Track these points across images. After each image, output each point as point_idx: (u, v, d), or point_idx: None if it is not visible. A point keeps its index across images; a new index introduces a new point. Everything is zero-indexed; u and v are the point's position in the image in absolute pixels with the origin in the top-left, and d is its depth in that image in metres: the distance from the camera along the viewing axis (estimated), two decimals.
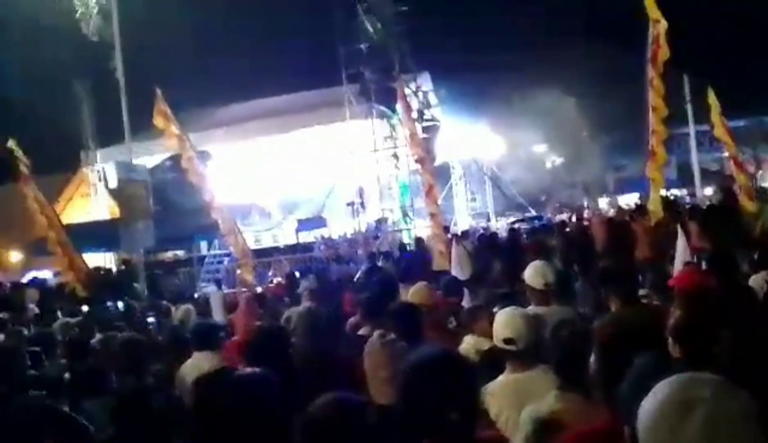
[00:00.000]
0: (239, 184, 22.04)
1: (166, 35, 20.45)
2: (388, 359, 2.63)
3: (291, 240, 21.03)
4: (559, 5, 27.50)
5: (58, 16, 16.30)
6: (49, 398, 3.64)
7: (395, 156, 20.74)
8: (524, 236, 12.59)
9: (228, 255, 16.50)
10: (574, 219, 14.48)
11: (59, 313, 8.48)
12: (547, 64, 24.04)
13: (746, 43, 26.77)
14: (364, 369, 2.76)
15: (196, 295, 11.19)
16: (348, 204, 19.88)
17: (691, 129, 22.78)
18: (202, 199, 11.71)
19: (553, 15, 27.33)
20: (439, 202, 12.01)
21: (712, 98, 12.47)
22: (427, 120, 21.43)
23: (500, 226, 21.27)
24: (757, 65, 25.66)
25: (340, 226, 21.09)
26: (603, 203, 24.26)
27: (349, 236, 19.68)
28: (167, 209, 15.44)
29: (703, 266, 4.67)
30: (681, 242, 4.52)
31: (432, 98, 23.35)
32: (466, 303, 5.21)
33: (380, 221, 20.68)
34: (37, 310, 10.21)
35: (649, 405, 1.15)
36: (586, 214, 14.86)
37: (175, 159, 13.48)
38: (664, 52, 7.94)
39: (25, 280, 15.96)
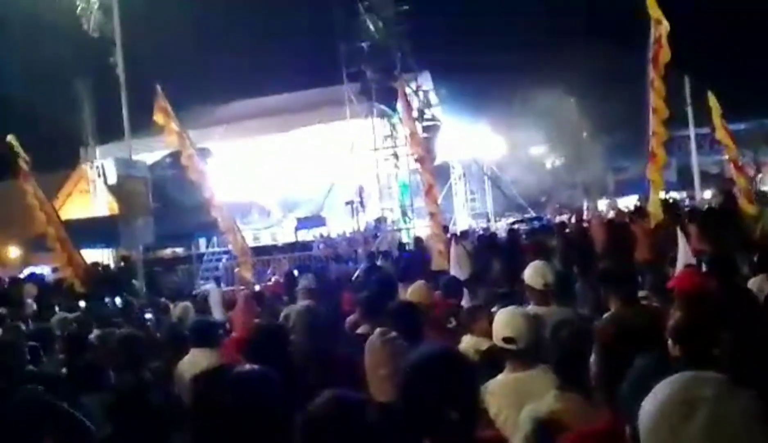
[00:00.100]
0: (239, 182, 22.02)
1: (166, 32, 20.43)
2: (388, 357, 2.62)
3: (290, 239, 21.01)
4: (561, 5, 27.52)
5: (58, 12, 16.26)
6: (48, 393, 3.63)
7: (395, 155, 20.74)
8: (523, 236, 12.57)
9: (227, 253, 16.48)
10: (573, 220, 14.46)
11: (57, 309, 8.47)
12: (548, 64, 24.05)
13: (747, 45, 26.79)
14: (364, 367, 2.76)
15: (194, 292, 11.16)
16: (347, 203, 19.87)
17: (692, 131, 22.78)
18: (201, 196, 11.71)
19: (554, 15, 27.35)
20: (439, 202, 12.01)
21: (712, 101, 12.48)
22: (427, 119, 21.42)
23: (500, 226, 21.27)
24: (757, 68, 25.68)
25: (340, 225, 21.08)
26: (602, 204, 24.24)
27: (348, 235, 19.66)
28: (167, 206, 15.41)
29: (703, 268, 4.66)
30: (682, 244, 4.51)
31: (432, 98, 23.35)
32: (465, 303, 5.20)
33: (379, 221, 20.68)
34: (35, 306, 10.20)
35: (650, 405, 1.14)
36: (585, 215, 14.84)
37: (175, 156, 13.46)
38: (665, 54, 7.93)
39: (23, 276, 15.95)
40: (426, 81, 22.96)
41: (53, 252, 12.56)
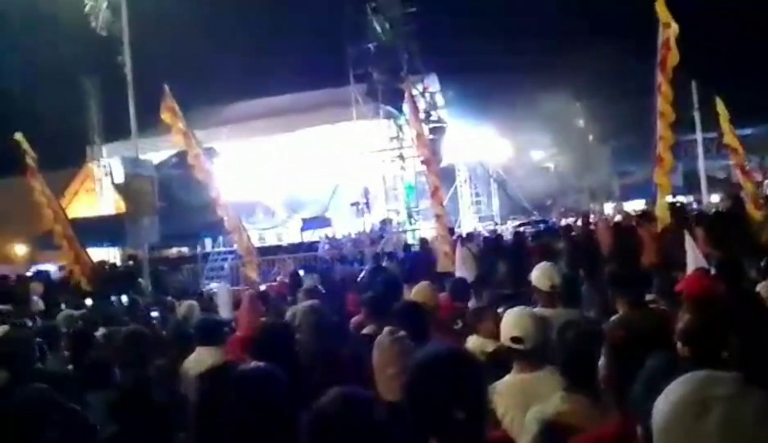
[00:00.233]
0: (245, 182, 22.07)
1: (174, 32, 20.50)
2: (397, 356, 2.61)
3: (295, 239, 21.04)
4: (568, 8, 27.46)
5: (66, 11, 16.34)
6: (53, 391, 3.64)
7: (401, 157, 20.74)
8: (529, 239, 12.54)
9: (232, 253, 16.50)
10: (580, 223, 14.43)
11: (63, 306, 8.50)
12: (555, 67, 24.03)
13: (754, 50, 26.68)
14: (371, 366, 2.75)
15: (201, 291, 11.19)
16: (353, 204, 19.89)
17: (699, 136, 22.69)
18: (207, 196, 11.72)
19: (561, 18, 27.32)
20: (444, 204, 11.99)
21: (720, 106, 12.45)
22: (433, 121, 21.42)
23: (506, 229, 21.23)
24: (765, 73, 25.56)
25: (345, 226, 21.09)
26: (608, 208, 24.17)
27: (353, 236, 19.67)
28: (172, 205, 15.46)
29: (712, 271, 4.64)
30: (691, 248, 4.49)
31: (439, 99, 23.35)
32: (470, 305, 5.19)
33: (385, 222, 20.68)
34: (41, 303, 10.24)
35: (663, 405, 1.13)
36: (592, 218, 14.79)
37: (182, 156, 13.51)
38: (673, 57, 7.90)
39: (29, 273, 16.01)
40: (433, 83, 22.96)
41: (60, 250, 12.61)
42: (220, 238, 18.87)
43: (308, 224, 21.38)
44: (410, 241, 17.63)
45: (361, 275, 9.72)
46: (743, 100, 17.58)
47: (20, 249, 24.19)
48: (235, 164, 21.72)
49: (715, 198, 21.62)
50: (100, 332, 5.48)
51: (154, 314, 7.30)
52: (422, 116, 17.62)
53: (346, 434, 1.71)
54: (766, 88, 24.71)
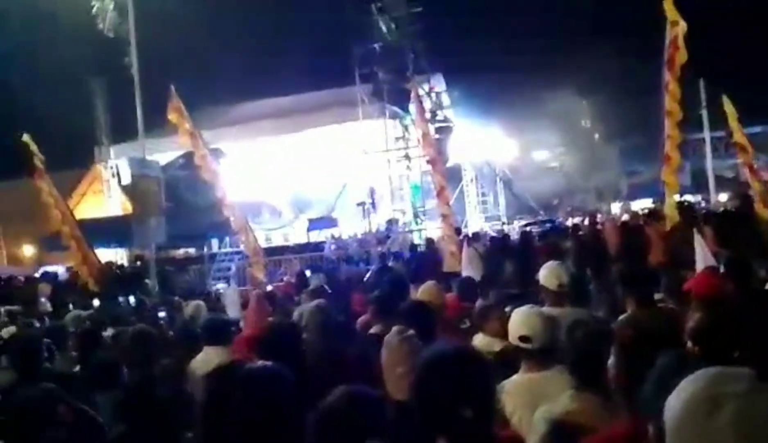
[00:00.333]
0: (251, 182, 22.10)
1: (180, 33, 20.57)
2: (406, 355, 2.60)
3: (302, 239, 21.06)
4: (574, 7, 27.39)
5: (74, 12, 16.43)
6: (62, 390, 3.65)
7: (407, 157, 20.73)
8: (536, 238, 12.51)
9: (239, 253, 16.53)
10: (587, 223, 14.38)
11: (71, 307, 8.53)
12: (562, 67, 23.98)
13: (763, 49, 26.52)
14: (378, 365, 2.74)
15: (211, 290, 11.22)
16: (359, 204, 19.88)
17: (707, 135, 22.58)
18: (214, 196, 11.75)
19: (567, 17, 27.25)
20: (450, 203, 11.98)
21: (728, 105, 12.38)
22: (439, 121, 21.40)
23: (513, 228, 21.19)
24: None
25: (351, 226, 21.09)
26: (616, 208, 24.08)
27: (359, 236, 19.66)
28: (179, 206, 15.49)
29: (720, 270, 4.60)
30: (699, 246, 4.46)
31: (445, 99, 23.32)
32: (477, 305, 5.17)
33: (391, 222, 20.67)
34: (49, 305, 10.28)
35: (675, 402, 1.11)
36: (599, 218, 14.74)
37: (188, 156, 13.55)
38: (681, 55, 7.86)
39: (37, 275, 16.09)
40: (438, 82, 22.93)
41: (68, 251, 12.66)
42: (227, 238, 18.89)
43: (314, 224, 21.39)
44: (416, 241, 17.62)
45: (368, 275, 9.70)
46: (751, 98, 17.49)
47: (28, 251, 24.32)
48: (242, 164, 21.76)
49: (723, 197, 21.51)
50: (108, 332, 5.49)
51: (161, 314, 7.32)
52: (428, 115, 17.63)
53: (353, 431, 1.71)
54: None
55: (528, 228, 17.07)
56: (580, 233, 11.60)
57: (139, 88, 12.23)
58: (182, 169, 16.73)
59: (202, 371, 3.83)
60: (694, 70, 13.81)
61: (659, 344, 1.99)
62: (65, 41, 19.46)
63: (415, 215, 21.15)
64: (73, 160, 24.48)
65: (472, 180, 26.21)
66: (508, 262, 8.76)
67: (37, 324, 7.19)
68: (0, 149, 17.41)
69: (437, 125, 20.61)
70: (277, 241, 22.17)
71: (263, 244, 15.35)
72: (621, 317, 3.58)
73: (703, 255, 4.35)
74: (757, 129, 22.60)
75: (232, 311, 6.66)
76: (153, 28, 14.35)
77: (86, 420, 3.31)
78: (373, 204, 20.02)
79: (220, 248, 19.67)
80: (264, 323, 4.59)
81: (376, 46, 20.18)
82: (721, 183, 23.76)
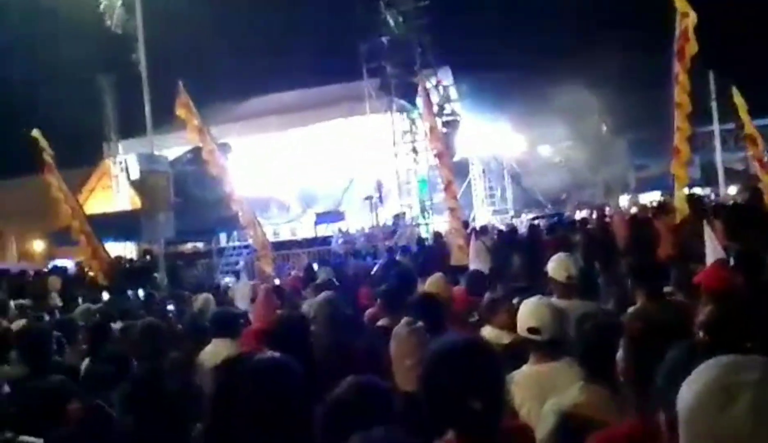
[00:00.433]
0: (259, 177, 22.15)
1: (188, 29, 20.59)
2: (415, 346, 2.60)
3: (309, 234, 21.09)
4: (583, 0, 27.19)
5: (81, 9, 16.45)
6: (72, 383, 3.67)
7: (414, 151, 20.68)
8: (544, 232, 12.47)
9: (247, 247, 16.57)
10: (595, 216, 14.31)
11: (80, 301, 8.58)
12: (570, 60, 23.81)
13: None
14: (386, 358, 2.74)
15: (221, 283, 11.25)
16: (366, 198, 19.86)
17: (716, 128, 22.41)
18: (222, 191, 11.79)
19: (576, 10, 27.03)
20: (458, 197, 11.96)
21: (737, 97, 12.27)
22: (447, 115, 21.32)
23: (520, 222, 21.14)
24: None
25: (359, 220, 21.09)
26: (624, 201, 23.96)
27: (367, 230, 19.66)
28: (187, 201, 15.54)
29: (731, 263, 4.57)
30: (709, 239, 4.42)
31: (452, 93, 23.22)
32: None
33: (398, 216, 20.65)
34: (59, 299, 10.34)
35: (687, 393, 1.09)
36: (607, 211, 14.68)
37: (196, 152, 13.57)
38: (692, 47, 7.79)
39: (47, 269, 16.21)
40: (446, 76, 22.84)
41: (78, 246, 12.74)
42: (235, 233, 18.94)
43: (322, 218, 21.41)
44: (424, 235, 17.59)
45: (375, 269, 9.70)
46: (761, 91, 17.33)
47: (38, 246, 24.49)
48: (249, 159, 21.80)
49: (733, 190, 21.36)
50: (117, 325, 5.52)
51: (170, 307, 7.35)
52: (435, 109, 17.55)
53: (361, 422, 1.70)
54: None
55: (536, 222, 17.02)
56: (589, 226, 11.55)
57: (147, 84, 12.25)
58: (190, 164, 16.78)
59: (210, 363, 3.84)
60: (704, 62, 13.69)
61: (668, 337, 1.97)
62: (73, 38, 19.52)
63: (423, 209, 21.11)
64: (82, 156, 24.62)
65: (479, 174, 26.14)
66: (516, 256, 8.73)
67: (47, 318, 7.24)
68: (10, 146, 17.53)
69: (445, 118, 20.54)
70: (285, 235, 22.21)
71: (271, 238, 15.38)
72: (630, 309, 3.55)
73: (713, 248, 4.32)
74: (766, 121, 22.39)
75: (243, 304, 6.69)
76: (161, 24, 14.35)
77: (97, 413, 3.33)
78: (380, 198, 20.00)
79: (228, 242, 19.73)
80: (272, 316, 4.60)
81: (383, 40, 20.11)
82: (731, 176, 23.59)
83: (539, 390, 2.65)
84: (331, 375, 2.21)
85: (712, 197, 21.20)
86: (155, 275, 11.91)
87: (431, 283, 4.66)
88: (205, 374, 3.80)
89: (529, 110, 24.92)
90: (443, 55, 22.10)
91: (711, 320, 2.22)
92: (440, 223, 18.12)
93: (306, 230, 22.12)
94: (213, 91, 21.93)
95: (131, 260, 16.66)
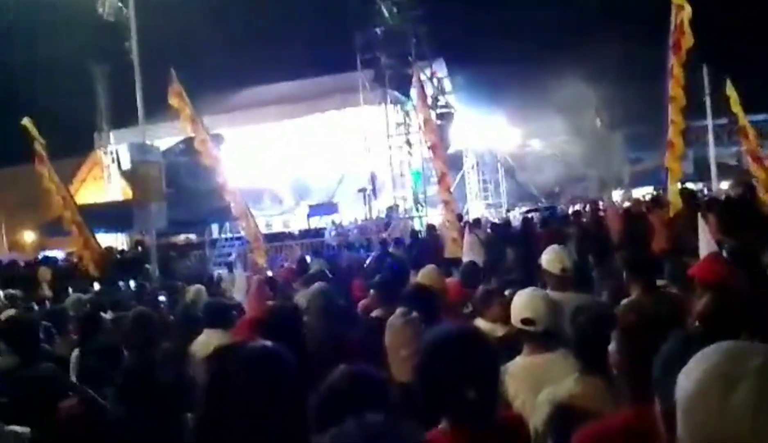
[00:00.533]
0: (252, 168, 22.05)
1: (181, 18, 20.40)
2: (409, 337, 2.59)
3: (302, 226, 21.04)
4: None
5: None
6: (62, 372, 3.64)
7: (408, 143, 20.65)
8: (538, 225, 12.49)
9: (239, 239, 16.53)
10: (588, 210, 14.33)
11: (71, 291, 8.52)
12: (566, 53, 23.77)
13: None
14: (381, 348, 2.72)
15: (214, 274, 11.21)
16: (360, 191, 19.83)
17: (709, 122, 22.46)
18: (214, 182, 11.72)
19: (571, 4, 27.03)
20: (452, 190, 11.94)
21: (730, 89, 12.28)
22: (441, 107, 21.28)
23: (514, 216, 21.17)
24: None
25: (352, 212, 21.06)
26: (617, 195, 24.01)
27: (360, 222, 19.64)
28: (180, 191, 15.45)
29: (724, 255, 4.57)
30: (703, 232, 4.43)
31: (447, 85, 23.19)
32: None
33: (392, 209, 20.64)
34: (48, 291, 10.28)
35: (687, 381, 1.07)
36: (601, 205, 14.71)
37: (189, 142, 13.50)
38: (687, 40, 7.78)
39: (37, 260, 16.10)
40: (441, 68, 22.79)
41: (69, 236, 12.67)
42: (227, 224, 18.88)
43: (315, 210, 21.37)
44: (417, 227, 17.59)
45: (368, 261, 9.69)
46: (756, 85, 17.37)
47: (29, 237, 24.34)
48: (242, 150, 21.71)
49: (725, 185, 21.43)
50: (108, 316, 5.48)
51: (162, 298, 7.32)
52: (430, 101, 17.52)
53: (354, 411, 1.68)
54: None
55: (530, 215, 17.04)
56: (583, 219, 11.57)
57: (139, 73, 12.14)
58: (183, 154, 16.69)
59: (202, 354, 3.81)
60: (699, 56, 13.69)
61: (662, 328, 1.96)
62: (65, 27, 19.35)
63: (416, 202, 21.11)
64: (74, 146, 24.45)
65: (473, 167, 26.13)
66: (510, 249, 8.73)
67: (37, 308, 7.19)
68: (0, 136, 17.37)
69: (439, 110, 20.51)
70: (278, 227, 22.17)
71: (264, 230, 15.34)
72: (624, 301, 3.55)
73: (706, 242, 4.32)
74: (762, 116, 22.48)
75: (239, 295, 6.67)
76: (153, 13, 14.21)
77: (88, 402, 3.30)
78: (373, 190, 19.98)
79: (220, 233, 19.67)
80: (264, 307, 4.58)
81: (377, 30, 20.02)
82: (723, 171, 23.65)
83: (534, 382, 2.64)
84: (324, 366, 2.20)
85: (705, 191, 21.27)
86: (147, 266, 11.83)
87: (424, 275, 4.64)
88: (198, 364, 3.78)
89: (524, 104, 24.90)
90: (438, 46, 22.09)
91: (707, 310, 2.21)
92: (434, 215, 18.11)
93: (299, 222, 22.07)
94: (206, 81, 21.80)
95: (123, 251, 16.57)
